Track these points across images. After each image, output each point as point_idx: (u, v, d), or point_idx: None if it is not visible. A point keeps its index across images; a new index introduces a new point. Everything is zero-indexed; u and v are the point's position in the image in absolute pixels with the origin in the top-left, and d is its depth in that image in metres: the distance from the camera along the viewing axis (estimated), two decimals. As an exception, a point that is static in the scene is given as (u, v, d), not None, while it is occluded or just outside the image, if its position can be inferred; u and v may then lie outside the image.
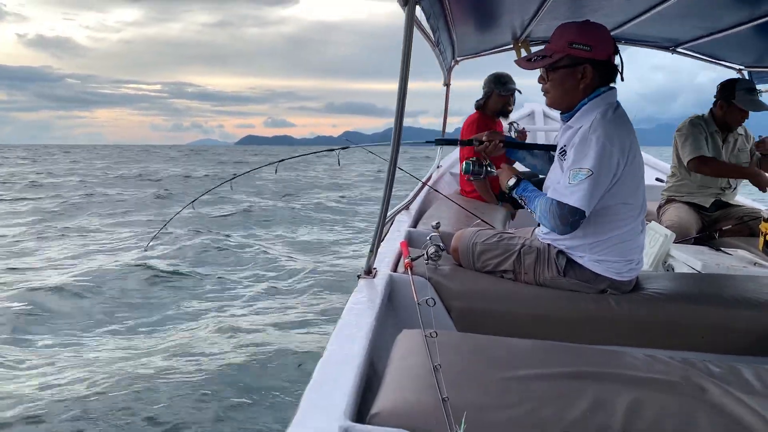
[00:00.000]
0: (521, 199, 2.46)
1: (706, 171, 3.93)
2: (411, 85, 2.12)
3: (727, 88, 3.94)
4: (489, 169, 2.80)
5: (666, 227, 3.90)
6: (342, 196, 17.20)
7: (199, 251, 8.11)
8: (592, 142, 2.15)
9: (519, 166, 2.96)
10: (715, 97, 4.03)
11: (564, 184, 2.20)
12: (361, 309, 2.04)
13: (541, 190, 2.45)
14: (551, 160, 2.64)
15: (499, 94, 4.51)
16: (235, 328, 4.96)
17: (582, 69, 2.24)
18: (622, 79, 2.32)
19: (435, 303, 1.93)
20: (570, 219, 2.17)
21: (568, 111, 2.36)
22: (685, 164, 4.01)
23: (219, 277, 6.72)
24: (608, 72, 2.29)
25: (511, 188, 2.51)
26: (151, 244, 7.37)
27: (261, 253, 8.02)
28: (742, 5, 3.03)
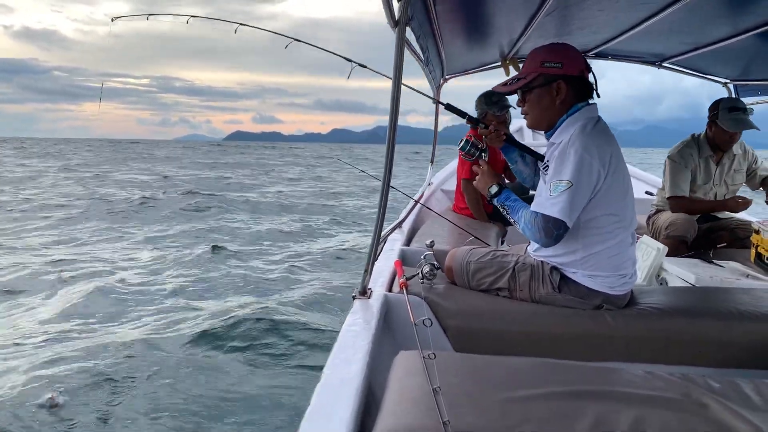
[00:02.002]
0: (503, 208, 2.47)
1: (683, 210, 3.98)
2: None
3: (713, 108, 3.94)
4: (483, 154, 2.79)
5: (665, 228, 3.93)
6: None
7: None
8: (570, 154, 2.20)
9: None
10: (707, 117, 4.03)
11: (545, 196, 2.25)
12: (357, 331, 2.03)
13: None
14: (538, 172, 2.67)
15: (494, 114, 4.39)
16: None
17: (556, 85, 2.31)
18: (598, 96, 2.38)
19: (432, 323, 1.92)
20: (554, 232, 2.22)
21: (549, 129, 2.41)
22: (666, 199, 4.09)
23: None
24: (583, 88, 2.35)
25: (493, 195, 2.52)
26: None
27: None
28: (727, 20, 3.08)
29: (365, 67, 3.35)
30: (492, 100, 4.41)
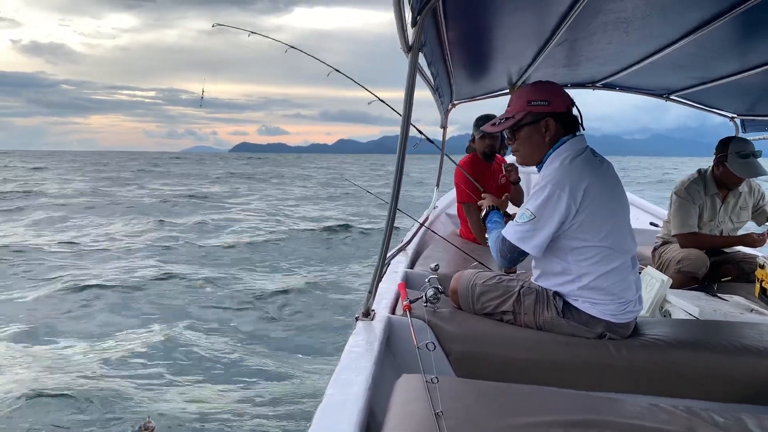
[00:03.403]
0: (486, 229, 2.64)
1: (692, 246, 3.94)
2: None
3: (721, 149, 3.90)
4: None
5: (676, 263, 3.90)
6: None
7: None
8: (542, 186, 2.27)
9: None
10: (714, 153, 3.99)
11: (513, 222, 2.36)
12: (359, 352, 2.02)
13: None
14: None
15: (478, 137, 4.50)
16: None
17: (545, 123, 2.37)
18: (583, 129, 2.44)
19: (435, 347, 1.92)
20: (508, 254, 2.37)
21: (538, 164, 2.47)
22: (672, 236, 4.07)
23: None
24: (570, 122, 2.41)
25: (483, 218, 2.70)
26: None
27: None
28: (734, 56, 3.11)
29: (382, 101, 3.34)
30: (477, 125, 4.50)
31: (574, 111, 2.43)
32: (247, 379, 4.65)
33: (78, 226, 14.14)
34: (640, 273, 3.72)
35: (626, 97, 4.98)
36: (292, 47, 3.49)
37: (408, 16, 1.91)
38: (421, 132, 3.38)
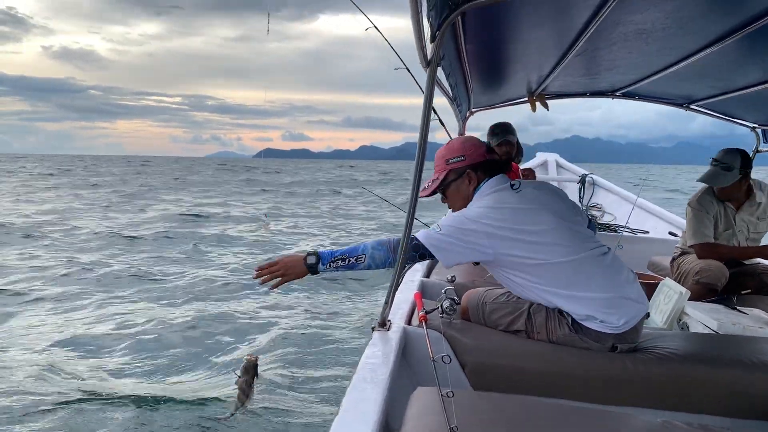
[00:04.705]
0: (335, 263, 2.36)
1: (709, 257, 3.91)
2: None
3: None
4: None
5: (695, 274, 3.87)
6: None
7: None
8: (459, 216, 2.41)
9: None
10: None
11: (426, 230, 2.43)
12: (375, 364, 2.05)
13: None
14: None
15: (494, 145, 4.55)
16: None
17: (467, 175, 2.57)
18: (509, 168, 2.69)
19: (450, 360, 1.93)
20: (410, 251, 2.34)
21: None
22: (689, 246, 4.05)
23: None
24: (491, 167, 2.59)
25: (317, 263, 2.37)
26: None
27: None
28: (756, 67, 3.08)
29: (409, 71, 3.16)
30: (494, 132, 4.52)
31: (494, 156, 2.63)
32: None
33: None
34: (658, 284, 3.74)
35: (652, 106, 4.96)
36: (374, 26, 3.33)
37: (427, 31, 1.92)
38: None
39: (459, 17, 2.16)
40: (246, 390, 2.17)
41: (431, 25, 1.91)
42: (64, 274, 8.76)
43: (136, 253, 10.94)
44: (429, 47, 2.03)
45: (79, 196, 24.63)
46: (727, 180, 3.88)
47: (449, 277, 2.82)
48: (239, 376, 2.16)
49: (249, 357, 2.21)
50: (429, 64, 2.05)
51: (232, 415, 2.23)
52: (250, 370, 2.16)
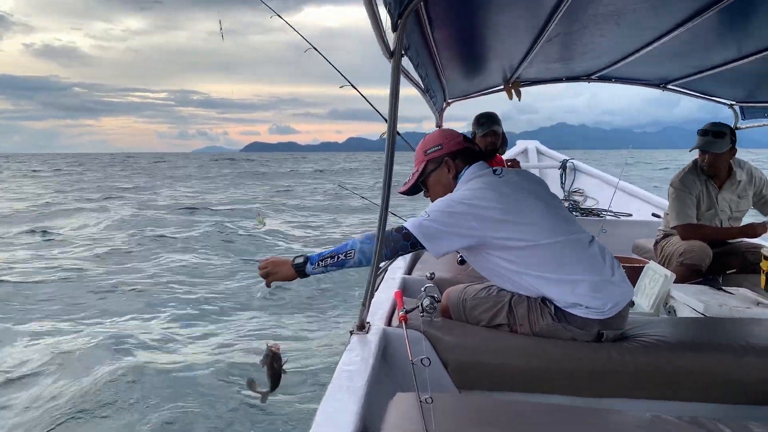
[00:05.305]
0: (324, 262, 2.29)
1: (692, 238, 3.89)
2: (412, 91, 2.12)
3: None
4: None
5: (679, 255, 3.83)
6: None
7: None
8: (446, 200, 2.37)
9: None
10: None
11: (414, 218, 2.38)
12: (354, 369, 1.97)
13: None
14: None
15: (480, 135, 4.49)
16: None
17: (445, 163, 2.56)
18: (484, 156, 2.67)
19: (430, 362, 1.85)
20: (393, 244, 2.27)
21: None
22: (671, 228, 4.03)
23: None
24: (470, 156, 2.58)
25: (304, 264, 2.32)
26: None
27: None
28: (731, 44, 3.04)
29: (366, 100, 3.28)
30: (479, 122, 4.46)
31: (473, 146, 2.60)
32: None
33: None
34: (643, 267, 3.69)
35: (637, 89, 4.93)
36: (313, 47, 3.38)
37: (386, 20, 1.83)
38: (405, 140, 3.34)
39: (422, 3, 2.08)
40: (270, 379, 2.12)
41: (391, 14, 1.83)
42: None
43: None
44: (391, 37, 1.94)
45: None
46: (721, 147, 3.86)
47: (429, 275, 2.74)
48: (263, 366, 2.11)
49: (270, 346, 2.15)
50: (393, 54, 1.97)
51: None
52: (271, 359, 2.10)
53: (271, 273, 2.34)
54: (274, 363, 2.04)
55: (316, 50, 3.18)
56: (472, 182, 2.44)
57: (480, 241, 2.30)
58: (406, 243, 2.26)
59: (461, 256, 3.55)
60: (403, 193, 2.70)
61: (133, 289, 7.99)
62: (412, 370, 1.84)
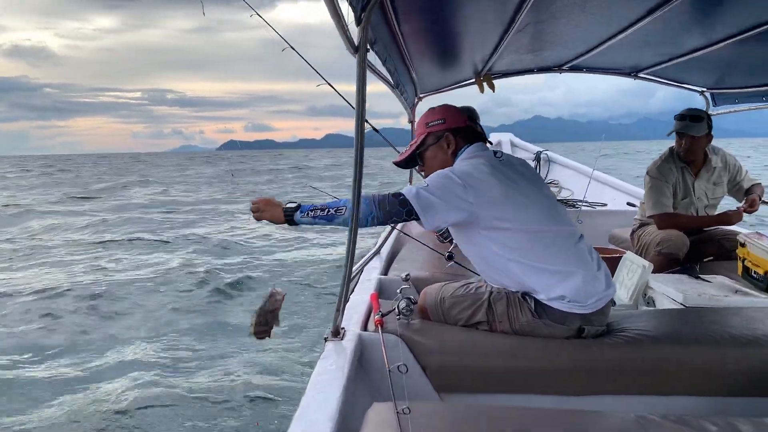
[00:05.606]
0: (314, 212, 2.25)
1: (669, 227, 3.87)
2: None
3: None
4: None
5: (656, 245, 3.81)
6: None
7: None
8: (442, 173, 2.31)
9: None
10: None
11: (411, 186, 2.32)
12: (329, 378, 1.89)
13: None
14: None
15: None
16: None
17: (445, 138, 2.48)
18: (490, 143, 2.56)
19: (407, 369, 1.79)
20: (389, 208, 2.20)
21: None
22: (648, 217, 4.01)
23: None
24: (471, 135, 2.51)
25: (294, 210, 2.29)
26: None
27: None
28: (701, 31, 3.02)
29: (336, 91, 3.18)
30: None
31: (478, 128, 2.54)
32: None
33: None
34: (620, 257, 3.67)
35: (612, 81, 4.93)
36: (291, 46, 3.28)
37: (348, 14, 1.75)
38: (377, 131, 3.26)
39: None
40: (265, 320, 2.17)
41: (354, 8, 1.75)
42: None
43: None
44: (355, 31, 1.86)
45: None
46: (699, 130, 3.86)
47: (404, 276, 2.66)
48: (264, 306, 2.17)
49: (274, 290, 2.19)
50: (357, 49, 1.89)
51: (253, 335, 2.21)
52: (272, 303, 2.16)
53: (261, 210, 2.30)
54: (269, 307, 2.10)
55: (294, 49, 3.07)
56: (472, 160, 2.38)
57: (473, 217, 2.23)
58: (401, 210, 2.18)
59: (444, 233, 3.48)
60: (396, 163, 2.65)
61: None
62: (389, 377, 1.77)
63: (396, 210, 2.18)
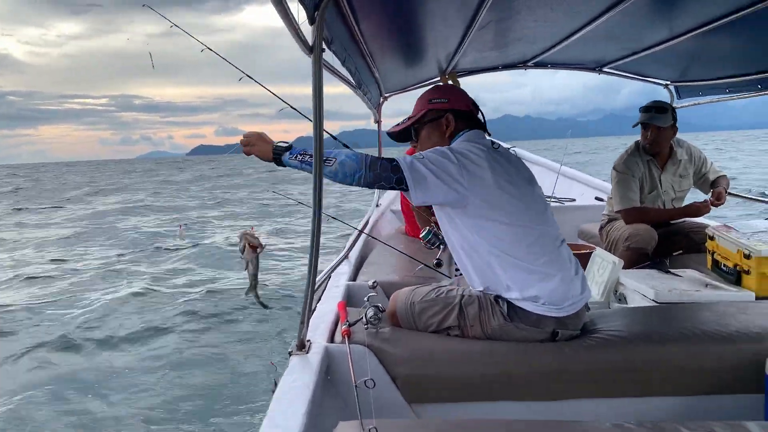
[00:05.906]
0: (303, 157, 2.19)
1: (636, 221, 3.86)
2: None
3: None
4: (442, 246, 3.22)
5: (624, 240, 3.80)
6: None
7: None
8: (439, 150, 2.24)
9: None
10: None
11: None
12: (293, 396, 1.80)
13: None
14: None
15: None
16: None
17: (445, 119, 2.40)
18: (489, 134, 2.46)
19: (375, 384, 1.71)
20: (381, 172, 2.12)
21: None
22: (615, 212, 4.01)
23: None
24: (472, 121, 2.43)
25: (285, 149, 2.25)
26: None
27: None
28: (663, 24, 3.00)
29: (295, 109, 3.10)
30: None
31: (480, 117, 2.46)
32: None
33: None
34: (590, 253, 3.65)
35: (579, 78, 4.93)
36: (208, 48, 3.20)
37: (300, 13, 1.66)
38: (335, 137, 3.20)
39: None
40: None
41: (306, 7, 1.66)
42: None
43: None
44: (309, 30, 1.77)
45: None
46: (665, 121, 3.86)
47: (371, 283, 2.57)
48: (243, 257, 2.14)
49: (246, 233, 2.15)
50: (312, 49, 1.80)
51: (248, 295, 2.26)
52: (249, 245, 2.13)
53: (251, 144, 2.29)
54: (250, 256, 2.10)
55: (250, 77, 3.00)
56: (469, 143, 2.31)
57: (463, 200, 2.16)
58: (392, 176, 2.09)
59: (431, 240, 3.39)
60: (390, 133, 2.57)
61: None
62: (356, 393, 1.69)
63: (386, 175, 2.10)
